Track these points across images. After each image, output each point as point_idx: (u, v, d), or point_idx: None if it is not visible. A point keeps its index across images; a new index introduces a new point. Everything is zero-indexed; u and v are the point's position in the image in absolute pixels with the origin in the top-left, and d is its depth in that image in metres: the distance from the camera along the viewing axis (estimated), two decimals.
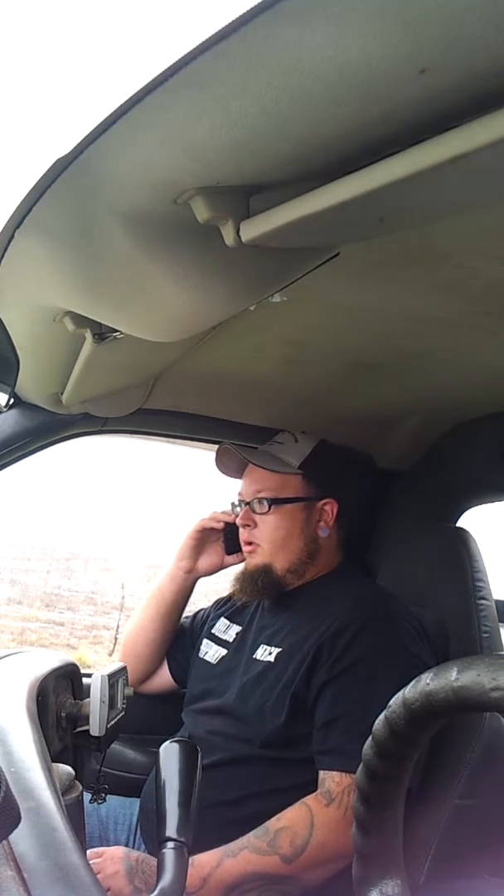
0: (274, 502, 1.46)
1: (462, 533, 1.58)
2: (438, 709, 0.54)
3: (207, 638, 1.58)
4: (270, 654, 1.37)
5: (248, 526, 1.48)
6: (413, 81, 0.45)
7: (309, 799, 1.19)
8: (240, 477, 1.56)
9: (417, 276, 1.00)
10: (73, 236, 0.74)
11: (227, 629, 1.56)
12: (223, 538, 1.63)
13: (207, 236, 0.67)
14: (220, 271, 0.74)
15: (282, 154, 0.56)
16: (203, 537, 1.63)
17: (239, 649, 1.48)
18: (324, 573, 1.48)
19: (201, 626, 1.65)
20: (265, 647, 1.40)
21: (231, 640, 1.52)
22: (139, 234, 0.68)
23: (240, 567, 1.54)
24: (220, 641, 1.54)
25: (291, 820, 1.17)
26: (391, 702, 0.59)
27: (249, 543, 1.48)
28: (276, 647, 1.37)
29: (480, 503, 1.81)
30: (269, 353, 1.38)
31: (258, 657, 1.39)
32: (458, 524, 1.78)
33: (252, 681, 1.35)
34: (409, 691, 0.57)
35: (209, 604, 1.72)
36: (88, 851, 1.18)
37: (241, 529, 1.50)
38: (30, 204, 0.65)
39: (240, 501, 1.53)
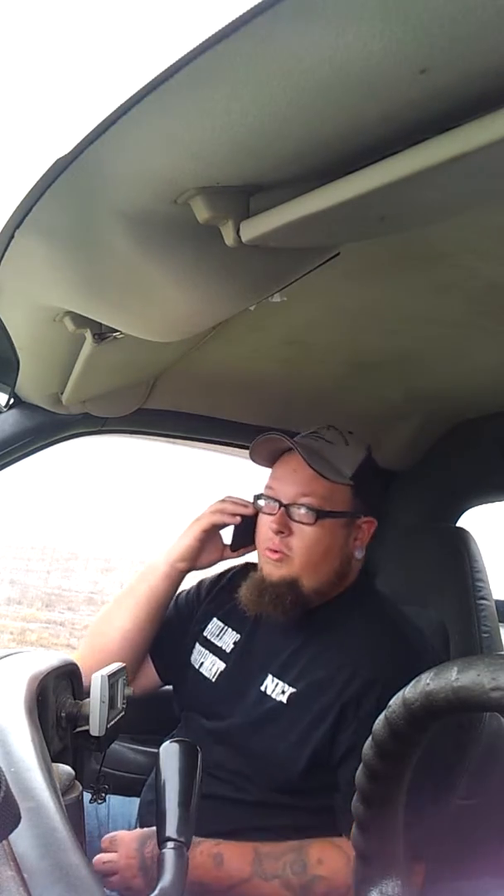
0: (322, 514, 1.25)
1: (462, 533, 1.58)
2: (438, 709, 0.54)
3: (200, 643, 1.41)
4: (283, 692, 1.24)
5: (282, 533, 1.26)
6: (413, 81, 0.45)
7: (347, 847, 1.07)
8: (270, 466, 1.34)
9: (417, 276, 1.00)
10: (73, 236, 0.75)
11: (221, 634, 1.39)
12: (234, 530, 1.42)
13: (207, 236, 0.67)
14: (220, 271, 0.74)
15: (282, 154, 0.56)
16: (209, 535, 1.43)
17: (240, 667, 1.32)
18: (341, 593, 1.32)
19: (189, 617, 1.46)
20: (276, 680, 1.26)
21: (228, 651, 1.35)
22: (139, 234, 0.68)
23: (254, 574, 1.33)
24: (215, 650, 1.38)
25: (332, 870, 1.10)
26: (391, 702, 0.59)
27: (276, 551, 1.27)
28: (289, 685, 1.24)
29: (480, 503, 1.81)
30: (269, 353, 1.38)
31: (268, 692, 1.25)
32: (458, 524, 1.78)
33: (261, 719, 1.24)
34: (409, 691, 0.57)
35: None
36: (103, 838, 1.15)
37: (269, 533, 1.28)
38: (30, 204, 0.65)
39: (269, 497, 1.30)
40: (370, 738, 0.61)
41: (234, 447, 1.81)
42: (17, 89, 0.62)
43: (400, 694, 0.58)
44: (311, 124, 0.52)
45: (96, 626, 1.47)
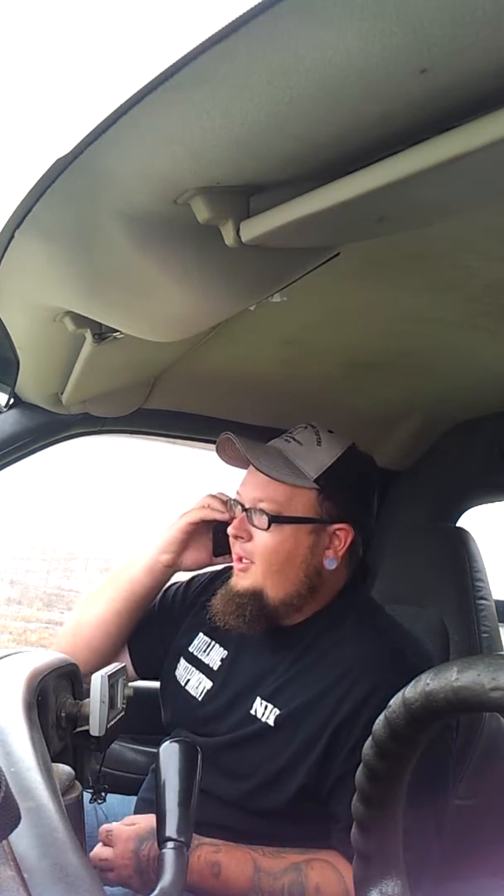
0: (275, 520, 1.19)
1: (462, 533, 1.58)
2: (438, 709, 0.54)
3: (186, 659, 1.34)
4: (270, 714, 1.18)
5: (241, 538, 1.22)
6: (413, 81, 0.45)
7: (346, 873, 1.06)
8: (245, 467, 1.27)
9: (417, 276, 1.00)
10: (73, 236, 0.75)
11: (208, 649, 1.32)
12: (213, 535, 1.37)
13: (207, 236, 0.67)
14: (220, 271, 0.74)
15: (282, 154, 0.56)
16: (195, 531, 1.36)
17: (227, 687, 1.26)
18: (325, 605, 1.24)
19: (173, 618, 1.40)
20: (263, 702, 1.20)
21: (215, 669, 1.29)
22: (139, 234, 0.68)
23: (226, 585, 1.28)
24: (202, 667, 1.31)
25: None
26: (391, 702, 0.59)
27: (241, 559, 1.22)
28: (276, 707, 1.18)
29: (480, 503, 1.81)
30: (269, 353, 1.38)
31: (256, 713, 1.20)
32: (458, 524, 1.78)
33: (246, 739, 1.19)
34: (409, 691, 0.57)
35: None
36: (103, 826, 1.11)
37: (231, 539, 1.25)
38: (30, 204, 0.65)
39: (236, 502, 1.25)
40: (370, 738, 0.61)
41: None
42: (17, 89, 0.63)
43: (400, 694, 0.58)
44: (311, 124, 0.52)
45: (77, 611, 1.45)
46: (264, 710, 1.19)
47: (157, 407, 1.61)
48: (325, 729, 1.11)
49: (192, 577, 1.46)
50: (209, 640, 1.33)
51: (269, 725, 1.17)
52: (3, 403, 1.45)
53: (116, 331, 0.98)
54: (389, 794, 0.62)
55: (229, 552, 1.30)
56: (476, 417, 1.69)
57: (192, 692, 1.29)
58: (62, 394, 1.40)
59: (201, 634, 1.35)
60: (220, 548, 1.36)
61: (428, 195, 0.59)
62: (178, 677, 1.33)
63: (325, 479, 1.20)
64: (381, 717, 0.60)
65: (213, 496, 1.36)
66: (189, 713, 1.28)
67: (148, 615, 1.40)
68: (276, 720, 1.17)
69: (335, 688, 1.14)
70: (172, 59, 0.44)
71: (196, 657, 1.33)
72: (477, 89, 0.46)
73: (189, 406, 1.66)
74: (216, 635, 1.32)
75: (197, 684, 1.30)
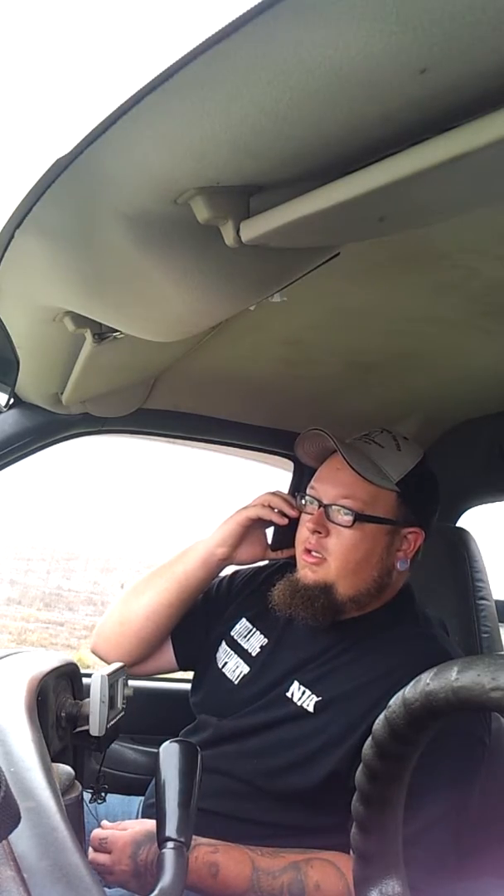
0: (359, 518, 1.21)
1: (462, 533, 1.58)
2: (438, 709, 0.54)
3: (226, 642, 1.36)
4: (309, 700, 1.19)
5: (319, 533, 1.22)
6: (413, 81, 0.45)
7: (347, 869, 1.06)
8: (316, 466, 1.31)
9: (417, 276, 1.00)
10: (73, 236, 0.75)
11: (248, 635, 1.35)
12: (274, 531, 1.40)
13: (207, 236, 0.67)
14: (220, 271, 0.74)
15: (282, 154, 0.56)
16: (253, 525, 1.38)
17: (264, 671, 1.28)
18: (383, 605, 1.27)
19: (217, 609, 1.42)
20: (302, 687, 1.22)
21: (254, 655, 1.31)
22: (139, 234, 0.68)
23: (290, 575, 1.28)
24: (241, 652, 1.33)
25: None
26: (391, 702, 0.59)
27: (311, 552, 1.23)
28: (315, 694, 1.20)
29: (480, 503, 1.81)
30: (269, 353, 1.38)
31: (293, 697, 1.21)
32: (458, 524, 1.78)
33: (280, 720, 1.20)
34: (409, 691, 0.57)
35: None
36: (95, 832, 1.11)
37: (306, 533, 1.25)
38: (30, 204, 0.66)
39: (311, 498, 1.26)
40: (370, 738, 0.61)
41: (234, 447, 1.81)
42: (17, 89, 0.63)
43: (400, 694, 0.58)
44: (311, 124, 0.52)
45: (124, 599, 1.45)
46: (302, 695, 1.21)
47: (157, 407, 1.61)
48: (364, 719, 1.12)
49: (235, 572, 1.48)
50: (251, 627, 1.35)
51: (306, 710, 1.19)
52: (3, 403, 1.45)
53: (116, 331, 0.98)
54: (389, 794, 0.62)
55: (289, 546, 1.32)
56: (476, 417, 1.69)
57: (229, 675, 1.31)
58: (62, 394, 1.40)
59: (244, 620, 1.37)
60: (280, 542, 1.39)
61: (428, 195, 0.59)
62: (217, 660, 1.35)
63: (405, 483, 1.24)
64: (381, 717, 0.60)
65: (274, 494, 1.37)
66: (222, 696, 1.30)
67: (193, 610, 1.42)
68: (315, 706, 1.18)
69: (379, 682, 1.15)
70: (172, 60, 0.44)
71: (236, 642, 1.35)
72: (477, 89, 0.46)
73: (189, 406, 1.66)
74: (258, 623, 1.35)
75: (234, 668, 1.32)
